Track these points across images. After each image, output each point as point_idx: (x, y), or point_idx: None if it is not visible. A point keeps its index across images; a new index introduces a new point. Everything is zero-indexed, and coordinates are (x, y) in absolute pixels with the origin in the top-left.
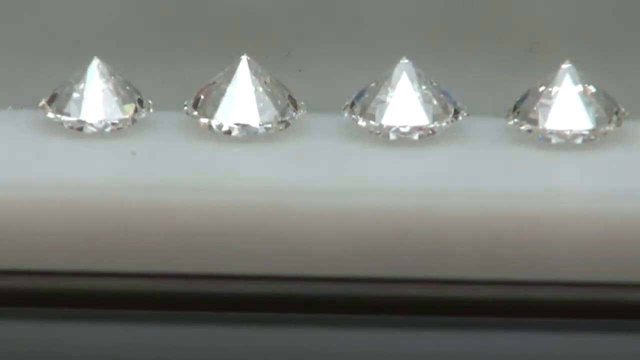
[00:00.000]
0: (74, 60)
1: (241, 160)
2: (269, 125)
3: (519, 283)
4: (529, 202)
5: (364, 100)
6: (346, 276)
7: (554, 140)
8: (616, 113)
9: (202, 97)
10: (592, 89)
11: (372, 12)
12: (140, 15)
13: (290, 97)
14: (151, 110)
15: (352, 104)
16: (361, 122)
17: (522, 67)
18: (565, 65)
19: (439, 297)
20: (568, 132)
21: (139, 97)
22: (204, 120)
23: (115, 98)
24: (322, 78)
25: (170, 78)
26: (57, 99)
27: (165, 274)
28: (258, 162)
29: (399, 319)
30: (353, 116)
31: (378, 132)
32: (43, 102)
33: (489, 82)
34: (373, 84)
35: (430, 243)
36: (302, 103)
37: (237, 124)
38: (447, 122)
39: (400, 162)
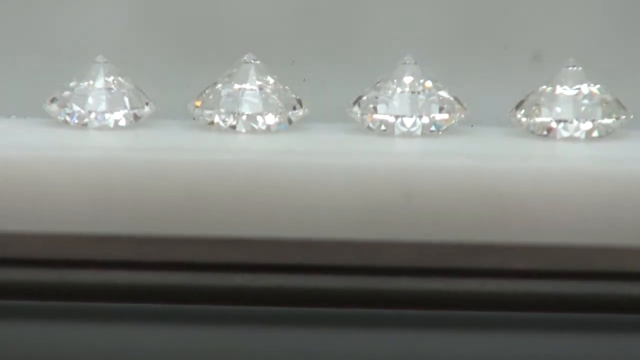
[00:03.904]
0: (78, 68)
1: (245, 139)
2: (273, 120)
3: (522, 247)
4: (532, 164)
5: (368, 97)
6: (349, 238)
7: (557, 136)
8: (620, 112)
9: (206, 96)
10: (596, 88)
11: (376, 21)
12: (146, 25)
13: (295, 96)
14: (153, 108)
15: (357, 101)
16: (365, 117)
17: (526, 76)
18: (570, 66)
19: (441, 292)
20: (572, 127)
21: (145, 97)
22: (208, 113)
23: (120, 94)
24: (327, 87)
25: (175, 88)
26: (61, 97)
27: (168, 238)
28: (261, 139)
29: (403, 313)
30: (357, 112)
31: (383, 127)
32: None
33: (493, 91)
34: (378, 83)
35: (432, 204)
36: (306, 103)
37: (241, 116)
38: (451, 118)
39: (405, 141)
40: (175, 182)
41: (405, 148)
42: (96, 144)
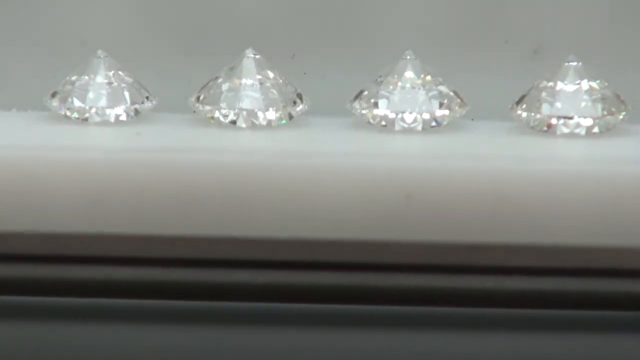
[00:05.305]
0: (78, 62)
1: (246, 135)
2: (274, 116)
3: (522, 247)
4: (533, 165)
5: (369, 92)
6: (350, 239)
7: (558, 132)
8: (621, 108)
9: (207, 91)
10: (596, 84)
11: (376, 14)
12: (146, 17)
13: (295, 91)
14: (154, 102)
15: (358, 97)
16: (366, 113)
17: (526, 70)
18: (571, 61)
19: (441, 289)
20: (572, 123)
21: (145, 92)
22: (208, 109)
23: (120, 89)
24: (327, 80)
25: (174, 81)
26: (62, 91)
27: (168, 238)
28: (262, 136)
29: (402, 310)
30: (357, 107)
31: (383, 123)
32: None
33: (493, 86)
34: (378, 78)
35: (434, 205)
36: (307, 98)
37: (242, 112)
38: (451, 114)
39: (404, 139)
40: (176, 184)
41: (407, 149)
42: (96, 144)
